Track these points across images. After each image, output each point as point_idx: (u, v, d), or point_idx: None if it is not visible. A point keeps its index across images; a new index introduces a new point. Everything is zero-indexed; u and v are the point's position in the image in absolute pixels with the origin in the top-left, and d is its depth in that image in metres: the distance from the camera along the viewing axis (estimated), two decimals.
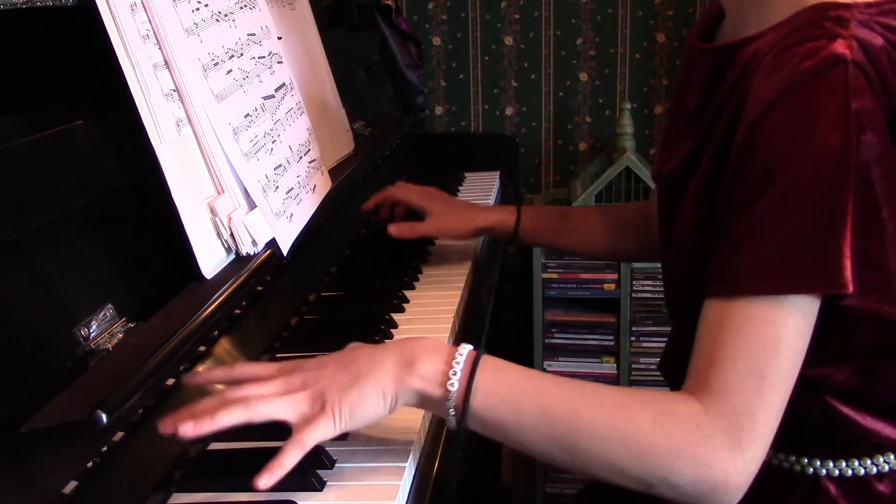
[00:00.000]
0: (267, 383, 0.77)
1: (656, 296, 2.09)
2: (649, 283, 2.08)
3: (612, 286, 2.08)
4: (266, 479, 0.72)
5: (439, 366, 0.77)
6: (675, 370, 1.08)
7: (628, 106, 2.10)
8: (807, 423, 0.87)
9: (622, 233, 1.28)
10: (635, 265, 2.06)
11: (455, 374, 0.76)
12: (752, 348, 0.74)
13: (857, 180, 0.74)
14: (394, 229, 1.26)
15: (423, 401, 0.78)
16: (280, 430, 0.88)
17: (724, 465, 0.73)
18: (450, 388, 0.75)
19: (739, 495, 0.75)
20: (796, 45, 0.77)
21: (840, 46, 0.75)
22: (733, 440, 0.73)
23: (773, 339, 0.75)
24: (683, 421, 0.74)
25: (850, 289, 0.74)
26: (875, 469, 0.88)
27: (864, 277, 0.76)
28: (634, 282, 2.08)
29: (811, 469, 0.89)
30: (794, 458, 0.90)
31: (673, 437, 0.74)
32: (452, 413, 0.76)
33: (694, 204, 0.89)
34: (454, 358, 0.77)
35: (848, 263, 0.74)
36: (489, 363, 0.78)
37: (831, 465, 0.88)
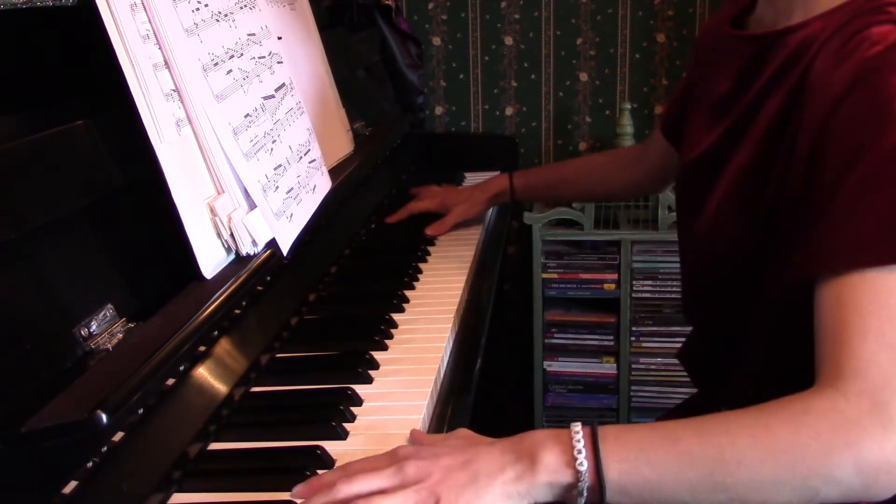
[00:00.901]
0: (379, 474, 0.73)
1: (656, 296, 2.09)
2: (649, 283, 2.08)
3: (612, 286, 2.08)
4: None
5: (561, 450, 0.73)
6: (698, 362, 1.11)
7: (628, 106, 2.10)
8: None
9: (610, 176, 1.50)
10: (635, 265, 2.06)
11: (580, 452, 0.72)
12: (880, 321, 0.72)
13: None
14: (431, 230, 1.52)
15: (556, 492, 0.73)
16: (279, 431, 0.88)
17: (879, 445, 0.68)
18: (579, 468, 0.71)
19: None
20: (862, 31, 0.80)
21: None
22: (882, 418, 0.69)
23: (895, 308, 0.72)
24: (825, 414, 0.70)
25: None
26: None
27: None
28: (634, 282, 2.08)
29: None
30: None
31: (821, 434, 0.69)
32: (586, 494, 0.72)
33: (734, 187, 0.92)
34: (572, 437, 0.73)
35: None
36: (609, 431, 0.73)
37: None
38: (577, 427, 0.74)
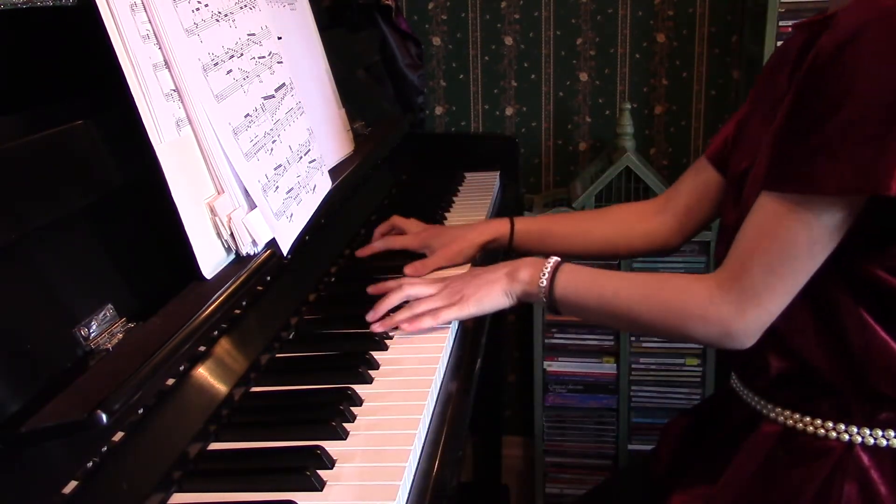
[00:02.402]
0: (431, 285, 1.16)
1: None
2: None
3: None
4: (406, 326, 1.10)
5: (533, 272, 1.12)
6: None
7: (628, 106, 2.10)
8: (846, 357, 0.93)
9: (623, 230, 1.32)
10: (635, 265, 2.06)
11: (544, 275, 1.10)
12: (772, 244, 0.90)
13: None
14: (410, 270, 1.30)
15: (526, 295, 1.13)
16: (279, 431, 0.88)
17: (726, 324, 0.95)
18: (540, 285, 1.10)
19: (747, 342, 0.96)
20: None
21: None
22: (736, 308, 0.94)
23: (795, 241, 0.89)
24: (697, 294, 0.98)
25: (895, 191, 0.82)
26: None
27: None
28: None
29: (847, 436, 0.94)
30: (830, 424, 0.95)
31: (687, 306, 0.99)
32: (544, 300, 1.11)
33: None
34: (543, 266, 1.11)
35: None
36: (566, 268, 1.11)
37: (868, 432, 0.93)
38: (552, 260, 1.12)
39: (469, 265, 1.32)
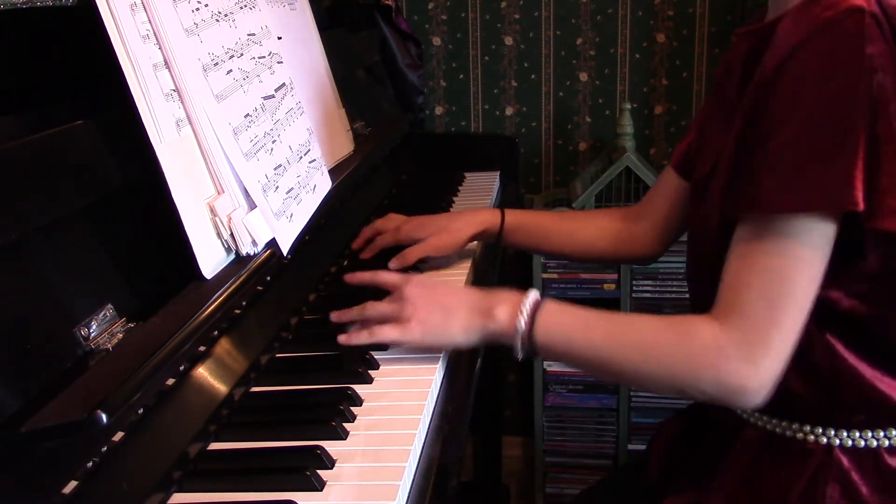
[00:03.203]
0: (387, 306, 1.02)
1: (656, 296, 2.09)
2: (649, 283, 2.08)
3: (612, 286, 2.08)
4: (343, 338, 0.99)
5: (511, 311, 0.96)
6: None
7: (628, 106, 2.10)
8: (820, 380, 0.92)
9: (614, 234, 1.30)
10: (635, 265, 2.06)
11: (522, 314, 0.95)
12: (768, 273, 0.85)
13: (870, 115, 0.82)
14: (395, 263, 1.27)
15: (498, 338, 0.98)
16: (279, 431, 0.88)
17: (738, 372, 0.86)
18: (518, 326, 0.95)
19: (760, 397, 0.87)
20: (819, 1, 0.85)
21: (859, 0, 0.82)
22: (747, 353, 0.86)
23: (786, 265, 0.85)
24: (702, 338, 0.88)
25: (861, 207, 0.82)
26: (888, 442, 0.93)
27: (885, 201, 0.83)
28: (634, 282, 2.08)
29: (825, 440, 0.94)
30: (808, 428, 0.95)
31: (693, 353, 0.88)
32: (520, 346, 0.96)
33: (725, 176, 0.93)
34: (522, 304, 0.96)
35: (859, 185, 0.81)
36: (548, 308, 0.96)
37: (845, 435, 0.93)
38: (530, 296, 0.96)
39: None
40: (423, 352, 1.04)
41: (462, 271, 1.34)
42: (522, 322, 0.95)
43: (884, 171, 0.82)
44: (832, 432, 0.94)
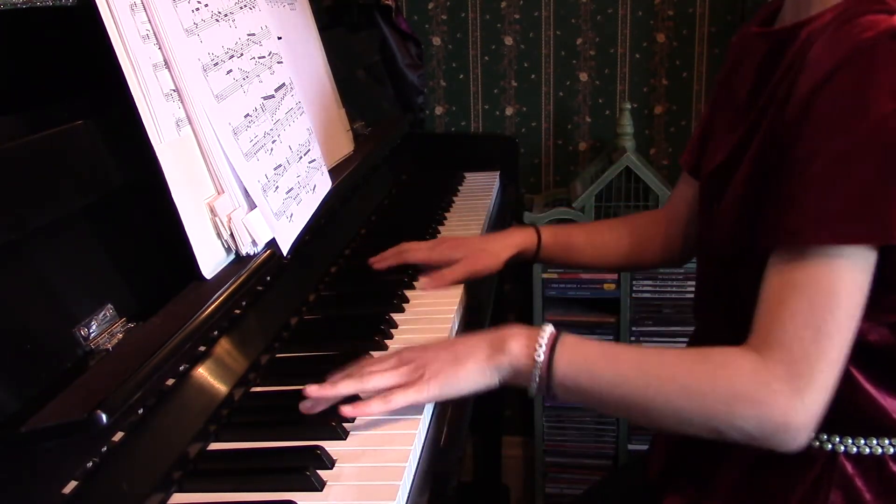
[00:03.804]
0: (383, 363, 0.92)
1: (656, 296, 2.09)
2: (649, 283, 2.08)
3: (612, 286, 2.08)
4: (349, 410, 0.86)
5: (526, 343, 0.90)
6: None
7: (628, 106, 2.10)
8: (833, 409, 0.88)
9: (641, 242, 1.29)
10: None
11: (540, 346, 0.88)
12: (811, 302, 0.80)
13: None
14: (426, 282, 1.24)
15: (515, 374, 0.90)
16: (279, 431, 0.88)
17: (783, 408, 0.80)
18: (537, 359, 0.88)
19: (804, 436, 0.82)
20: (857, 18, 0.82)
21: None
22: (792, 386, 0.80)
23: (830, 293, 0.80)
24: (742, 370, 0.82)
25: None
26: (892, 449, 0.92)
27: None
28: (634, 282, 2.08)
29: (829, 446, 0.93)
30: (812, 434, 0.92)
31: (733, 386, 0.82)
32: (537, 381, 0.89)
33: (742, 190, 0.92)
34: (539, 336, 0.89)
35: None
36: (569, 339, 0.90)
37: (850, 441, 0.92)
38: (547, 329, 0.90)
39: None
40: None
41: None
42: (541, 353, 0.88)
43: None
44: (837, 439, 0.92)
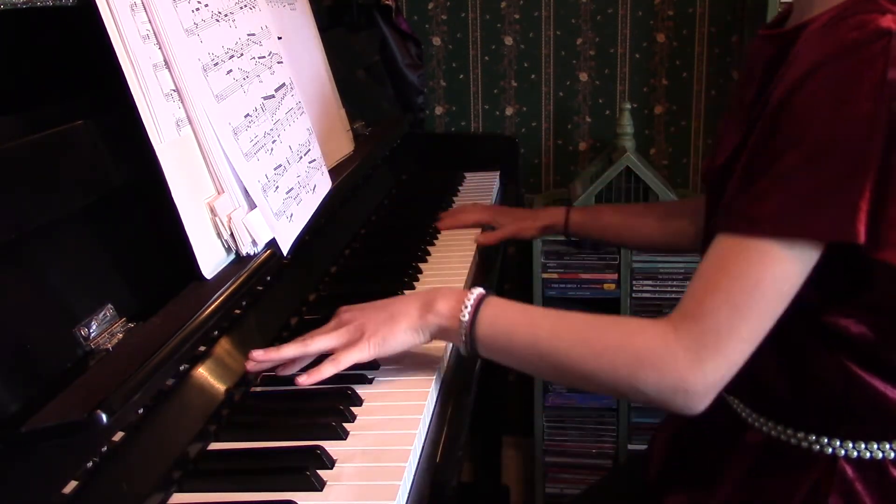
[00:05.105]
0: (324, 328, 0.99)
1: (656, 296, 2.09)
2: (649, 283, 2.08)
3: (612, 286, 2.08)
4: (304, 379, 0.92)
5: (453, 304, 0.95)
6: None
7: (628, 106, 2.10)
8: (830, 395, 0.91)
9: (674, 221, 1.35)
10: (635, 265, 2.06)
11: (466, 307, 0.94)
12: (735, 283, 0.82)
13: (885, 146, 0.78)
14: (482, 238, 1.48)
15: (443, 332, 0.97)
16: (279, 431, 0.88)
17: (682, 373, 0.84)
18: (461, 319, 0.94)
19: (700, 403, 0.85)
20: (847, 18, 0.82)
21: (888, 21, 0.79)
22: (695, 355, 0.83)
23: (758, 280, 0.82)
24: (650, 337, 0.86)
25: (861, 239, 0.79)
26: (893, 454, 0.92)
27: (890, 234, 0.80)
28: (634, 282, 2.08)
29: (830, 449, 0.93)
30: (813, 437, 0.93)
31: (639, 351, 0.86)
32: (464, 340, 0.94)
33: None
34: (466, 298, 0.95)
35: (863, 217, 0.79)
36: (493, 301, 0.95)
37: (850, 445, 0.92)
38: (475, 291, 0.96)
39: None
40: (424, 352, 1.04)
41: (462, 271, 1.34)
42: (466, 314, 0.94)
43: (891, 201, 0.79)
44: (838, 442, 0.92)
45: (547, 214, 1.49)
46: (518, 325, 0.93)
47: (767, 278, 0.82)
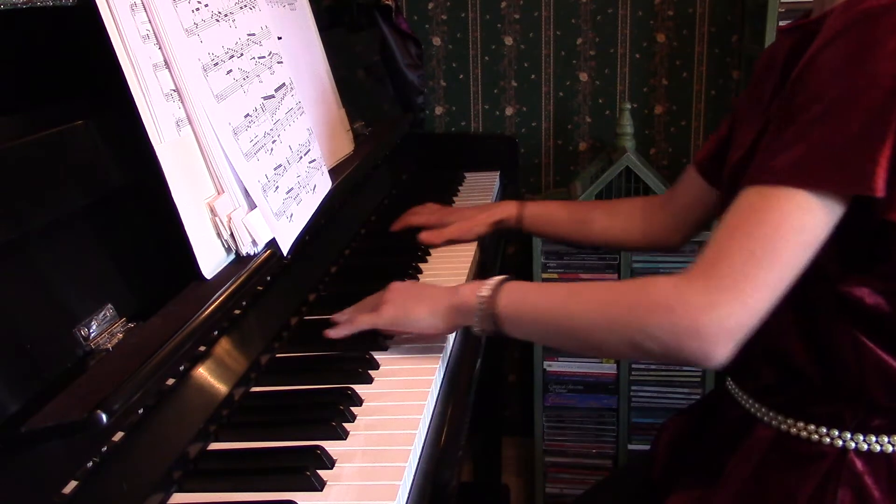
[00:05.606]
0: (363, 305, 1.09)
1: None
2: None
3: None
4: (331, 331, 1.05)
5: (475, 288, 1.01)
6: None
7: (628, 106, 2.10)
8: (845, 369, 0.91)
9: (625, 224, 1.36)
10: (636, 265, 2.06)
11: (487, 287, 0.99)
12: (753, 229, 0.82)
13: None
14: (425, 236, 1.45)
15: (462, 309, 1.01)
16: (279, 431, 0.88)
17: (695, 315, 0.82)
18: (479, 294, 0.99)
19: (716, 349, 0.82)
20: None
21: None
22: (708, 297, 0.82)
23: (775, 225, 0.82)
24: (662, 284, 0.86)
25: (880, 193, 0.80)
26: None
27: None
28: None
29: (840, 442, 0.93)
30: (824, 430, 0.94)
31: (650, 296, 0.86)
32: (479, 314, 0.99)
33: None
34: (487, 281, 1.01)
35: (882, 172, 0.80)
36: (514, 284, 1.00)
37: (861, 438, 0.93)
38: (493, 279, 1.01)
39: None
40: (424, 351, 1.04)
41: (462, 271, 1.34)
42: (485, 290, 0.99)
43: None
44: (848, 435, 0.93)
45: (500, 209, 1.48)
46: (534, 296, 0.98)
47: (785, 226, 0.82)
